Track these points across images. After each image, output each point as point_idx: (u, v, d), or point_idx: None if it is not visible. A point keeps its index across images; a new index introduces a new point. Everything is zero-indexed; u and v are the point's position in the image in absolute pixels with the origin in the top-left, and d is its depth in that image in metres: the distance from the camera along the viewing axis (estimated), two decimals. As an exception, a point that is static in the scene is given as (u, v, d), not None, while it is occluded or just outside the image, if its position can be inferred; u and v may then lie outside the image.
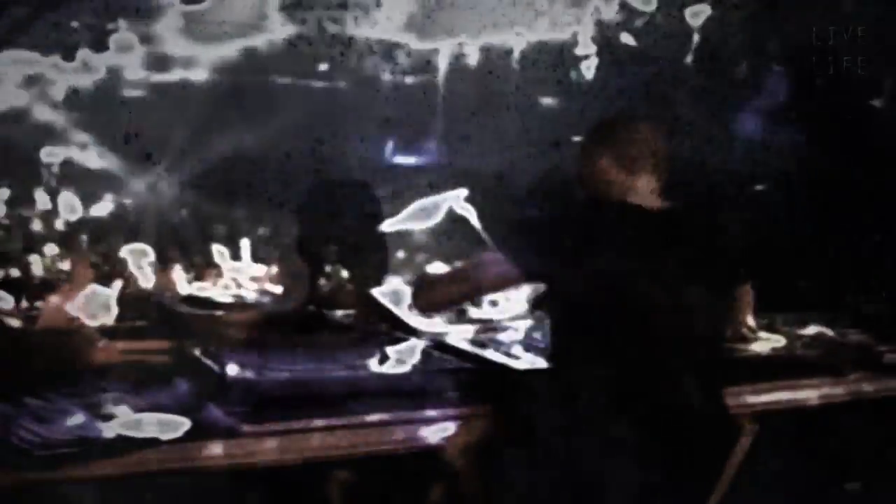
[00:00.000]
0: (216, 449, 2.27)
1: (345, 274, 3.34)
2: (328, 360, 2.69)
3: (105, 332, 2.92)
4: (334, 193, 3.42)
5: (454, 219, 2.90)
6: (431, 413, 2.52)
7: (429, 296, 2.77)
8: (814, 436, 3.80)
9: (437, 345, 2.94)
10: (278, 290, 3.50)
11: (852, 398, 3.19)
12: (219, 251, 4.06)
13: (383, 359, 2.73)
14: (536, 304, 3.26)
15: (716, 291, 2.59)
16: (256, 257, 4.23)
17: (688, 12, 6.40)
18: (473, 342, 3.01)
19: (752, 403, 2.97)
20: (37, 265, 8.12)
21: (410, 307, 2.87)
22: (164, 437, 2.23)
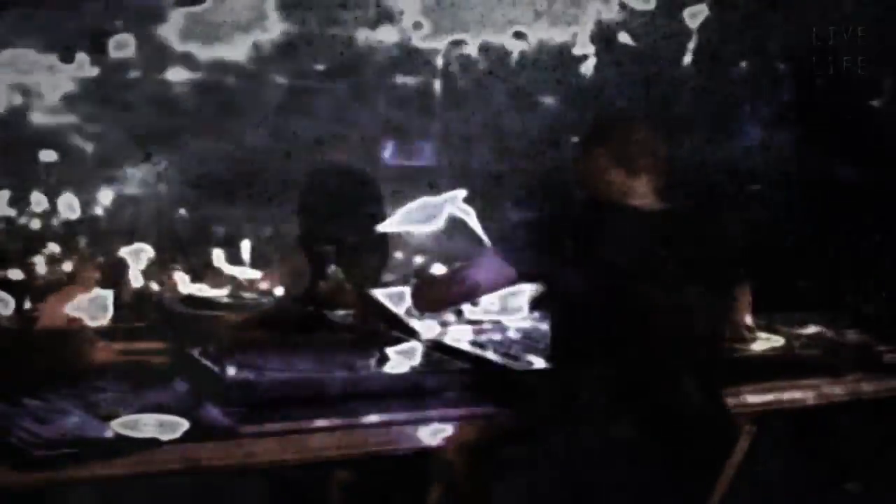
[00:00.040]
0: (215, 449, 2.27)
1: (341, 275, 3.34)
2: (327, 361, 2.69)
3: (103, 332, 2.91)
4: (336, 192, 3.41)
5: (453, 219, 2.90)
6: (430, 413, 2.51)
7: (428, 296, 2.78)
8: (813, 436, 3.81)
9: (437, 345, 2.93)
10: (277, 290, 3.49)
11: (852, 398, 3.19)
12: (217, 252, 4.06)
13: (382, 359, 2.73)
14: (535, 304, 3.26)
15: (714, 291, 2.60)
16: (257, 258, 4.23)
17: (686, 13, 6.40)
18: (473, 343, 3.01)
19: (750, 404, 2.97)
20: (38, 266, 8.12)
21: (410, 308, 2.87)
22: (164, 437, 2.23)
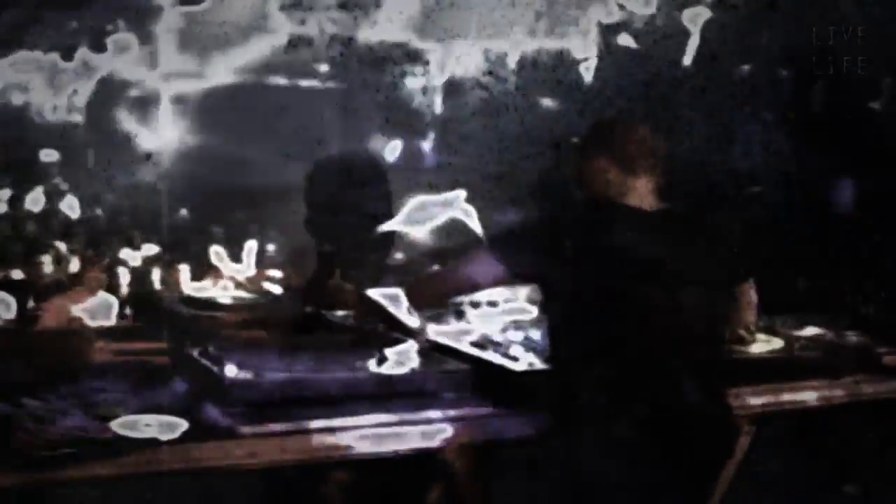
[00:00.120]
0: (215, 449, 2.27)
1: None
2: (326, 361, 2.69)
3: (103, 332, 2.92)
4: (344, 185, 3.39)
5: (453, 219, 2.90)
6: (430, 414, 2.51)
7: (424, 292, 2.79)
8: (812, 438, 3.81)
9: (436, 346, 2.93)
10: (277, 290, 3.49)
11: (851, 400, 3.19)
12: (216, 252, 4.06)
13: (382, 360, 2.73)
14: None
15: (714, 291, 2.60)
16: (261, 259, 4.23)
17: (686, 15, 6.40)
18: (472, 343, 3.01)
19: (750, 405, 2.97)
20: (37, 267, 8.12)
21: (409, 308, 2.87)
22: (163, 437, 2.23)
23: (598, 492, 2.46)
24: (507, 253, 2.55)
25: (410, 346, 2.83)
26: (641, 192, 2.59)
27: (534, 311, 3.24)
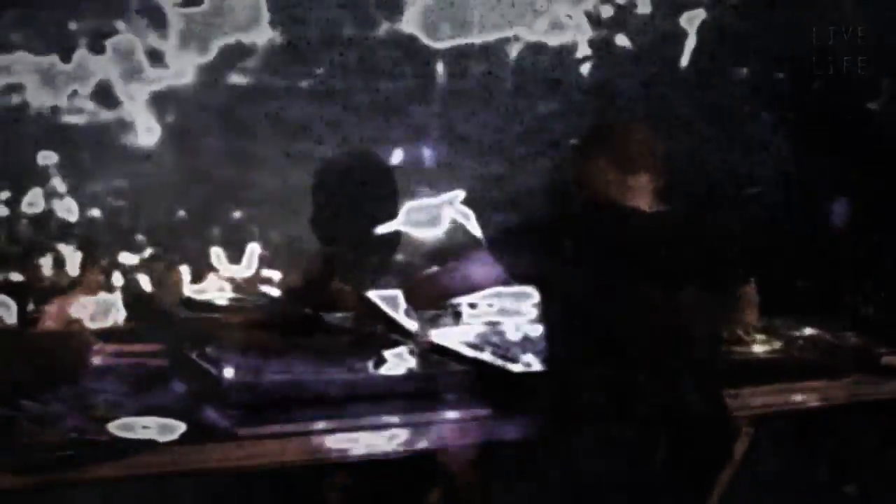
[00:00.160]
0: (213, 451, 2.27)
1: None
2: (325, 363, 2.69)
3: (101, 334, 2.91)
4: (351, 183, 3.38)
5: (451, 220, 2.90)
6: (428, 416, 2.51)
7: (422, 292, 2.79)
8: (810, 438, 3.81)
9: (434, 347, 2.93)
10: (275, 292, 3.49)
11: (849, 400, 3.19)
12: (216, 254, 4.06)
13: (380, 361, 2.73)
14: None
15: (713, 293, 2.60)
16: (262, 260, 4.23)
17: (684, 16, 6.40)
18: (471, 345, 3.01)
19: (748, 406, 2.97)
20: (35, 269, 8.11)
21: (408, 310, 2.87)
22: (161, 439, 2.23)
23: (595, 493, 2.46)
24: (506, 253, 2.55)
25: (409, 347, 2.84)
26: (640, 193, 2.59)
27: (531, 313, 3.24)
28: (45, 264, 7.56)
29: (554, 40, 6.48)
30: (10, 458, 2.11)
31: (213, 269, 4.07)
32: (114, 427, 2.25)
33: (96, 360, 2.73)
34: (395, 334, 2.93)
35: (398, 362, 2.74)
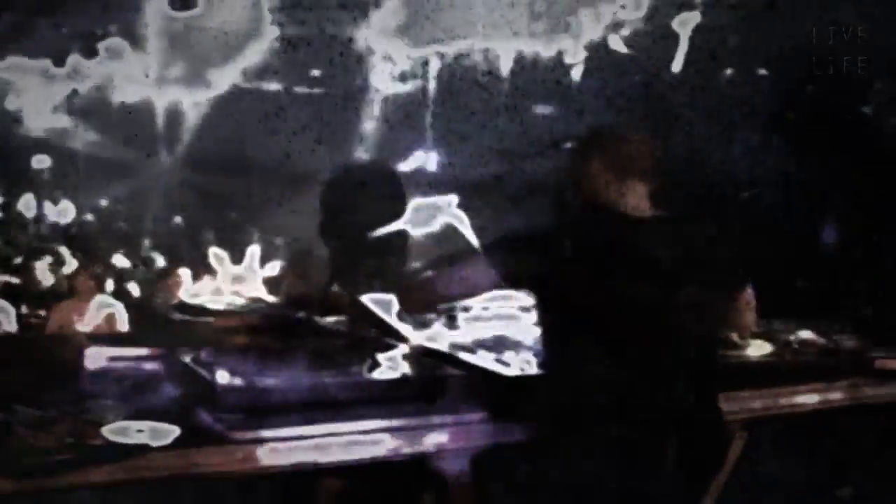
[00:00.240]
0: (206, 456, 2.27)
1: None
2: (319, 367, 2.69)
3: (95, 338, 2.91)
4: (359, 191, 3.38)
5: (446, 224, 2.90)
6: (422, 420, 2.51)
7: (415, 297, 2.79)
8: (805, 441, 3.81)
9: (428, 351, 2.93)
10: (269, 297, 3.49)
11: (844, 403, 3.19)
12: (216, 255, 4.06)
13: (373, 366, 2.73)
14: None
15: (708, 297, 2.60)
16: (263, 262, 4.24)
17: (676, 20, 6.40)
18: (464, 349, 3.01)
19: (742, 409, 2.97)
20: (30, 273, 8.13)
21: (400, 313, 2.87)
22: (155, 443, 2.23)
23: (589, 497, 2.46)
24: (502, 258, 2.55)
25: (402, 351, 2.84)
26: (637, 197, 2.59)
27: (525, 317, 3.24)
28: (38, 268, 7.57)
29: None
30: (4, 462, 2.11)
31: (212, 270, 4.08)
32: (108, 431, 2.25)
33: (90, 365, 2.73)
34: (388, 338, 2.92)
35: (392, 366, 2.74)
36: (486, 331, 3.23)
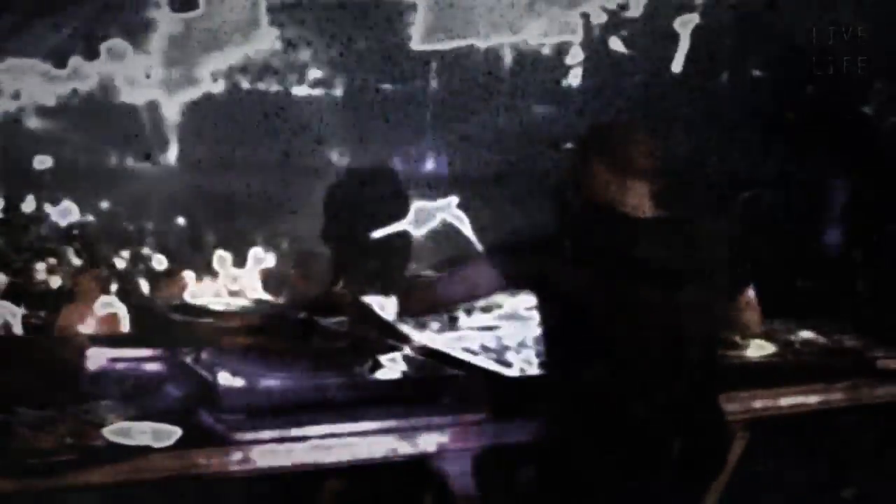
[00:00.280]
0: (208, 457, 2.27)
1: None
2: (320, 368, 2.69)
3: (96, 339, 2.91)
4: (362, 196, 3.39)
5: (446, 225, 2.91)
6: (424, 420, 2.51)
7: (415, 300, 2.78)
8: (807, 442, 3.81)
9: (429, 352, 2.93)
10: (269, 297, 3.49)
11: (845, 404, 3.19)
12: (220, 257, 4.07)
13: (375, 366, 2.73)
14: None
15: (710, 297, 2.59)
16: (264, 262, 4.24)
17: (677, 21, 6.41)
18: (465, 349, 3.01)
19: (744, 410, 2.97)
20: (36, 273, 8.14)
21: (399, 314, 2.87)
22: (157, 444, 2.23)
23: (591, 496, 2.46)
24: (504, 260, 2.55)
25: (404, 351, 2.84)
26: (639, 197, 2.59)
27: (526, 317, 3.24)
28: (40, 270, 7.56)
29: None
30: (5, 462, 2.11)
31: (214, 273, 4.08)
32: (109, 432, 2.25)
33: (91, 365, 2.73)
34: (389, 338, 2.92)
35: (393, 367, 2.74)
36: (488, 331, 3.23)
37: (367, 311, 2.93)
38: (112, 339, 3.00)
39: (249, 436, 2.32)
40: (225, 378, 2.51)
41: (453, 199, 2.84)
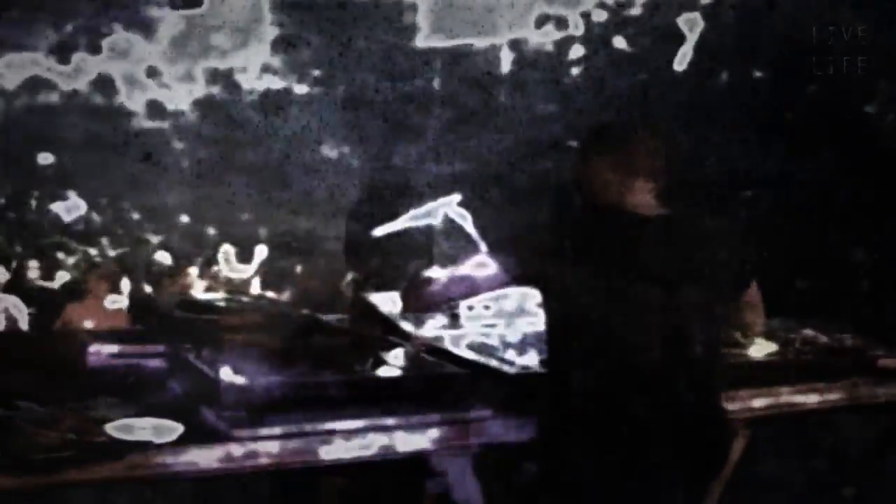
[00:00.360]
0: (210, 453, 2.27)
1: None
2: (323, 365, 2.69)
3: (99, 335, 2.92)
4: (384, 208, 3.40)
5: (449, 222, 2.91)
6: (426, 418, 2.51)
7: (418, 296, 2.78)
8: (808, 441, 3.81)
9: (432, 350, 2.93)
10: (272, 294, 3.50)
11: (845, 403, 3.19)
12: (224, 255, 4.07)
13: (378, 363, 2.73)
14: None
15: (712, 296, 2.60)
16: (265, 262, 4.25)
17: (679, 20, 6.41)
18: (468, 347, 3.01)
19: (745, 409, 2.97)
20: (39, 271, 8.14)
21: (402, 310, 2.87)
22: (159, 441, 2.23)
23: (592, 495, 2.46)
24: (507, 257, 2.55)
25: (406, 349, 2.84)
26: (641, 196, 2.59)
27: (528, 315, 3.25)
28: (39, 268, 7.57)
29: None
30: (7, 459, 2.11)
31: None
32: (111, 428, 2.25)
33: (94, 362, 2.73)
34: (392, 336, 2.93)
35: (395, 364, 2.74)
36: (489, 329, 3.23)
37: (370, 307, 2.93)
38: (115, 335, 3.00)
39: (252, 433, 2.32)
40: (227, 375, 2.51)
41: (455, 197, 2.84)
